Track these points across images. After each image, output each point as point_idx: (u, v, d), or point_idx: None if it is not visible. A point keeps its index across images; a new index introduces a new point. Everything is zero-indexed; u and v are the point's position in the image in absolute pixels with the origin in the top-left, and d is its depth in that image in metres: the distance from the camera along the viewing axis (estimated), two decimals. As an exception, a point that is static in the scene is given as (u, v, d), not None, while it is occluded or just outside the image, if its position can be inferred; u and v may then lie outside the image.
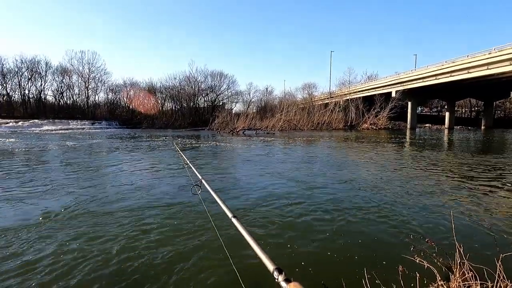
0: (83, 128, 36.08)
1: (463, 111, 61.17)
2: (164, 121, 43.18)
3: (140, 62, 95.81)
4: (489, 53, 25.86)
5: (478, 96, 43.27)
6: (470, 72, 28.56)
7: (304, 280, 2.48)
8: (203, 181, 2.12)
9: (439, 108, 61.14)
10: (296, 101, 47.66)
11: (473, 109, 59.89)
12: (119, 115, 45.34)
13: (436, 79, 32.86)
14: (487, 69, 26.61)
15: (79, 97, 46.35)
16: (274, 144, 16.89)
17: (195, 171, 2.68)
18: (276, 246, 3.17)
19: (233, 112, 44.52)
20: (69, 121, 39.39)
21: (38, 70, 44.12)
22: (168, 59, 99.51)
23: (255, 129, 30.34)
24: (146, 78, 75.67)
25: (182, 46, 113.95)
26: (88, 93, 46.23)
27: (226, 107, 48.67)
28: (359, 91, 45.54)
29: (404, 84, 37.79)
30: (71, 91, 45.91)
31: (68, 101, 46.27)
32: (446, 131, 35.14)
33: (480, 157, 10.87)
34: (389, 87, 40.68)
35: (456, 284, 1.81)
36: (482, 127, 41.63)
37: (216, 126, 33.96)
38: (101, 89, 47.74)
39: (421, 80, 35.02)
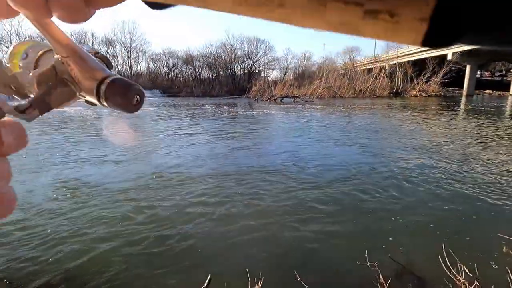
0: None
1: (534, 74, 53.03)
2: (202, 90, 43.81)
3: (177, 31, 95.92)
4: None
5: (557, 56, 36.89)
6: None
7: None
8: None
9: (503, 72, 53.62)
10: (336, 67, 44.90)
11: (547, 72, 51.60)
12: (160, 84, 46.88)
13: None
14: None
15: (123, 66, 48.49)
16: (312, 113, 16.35)
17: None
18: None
19: (270, 79, 43.50)
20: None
21: (86, 41, 46.52)
22: (203, 28, 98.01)
23: (292, 97, 29.52)
24: (184, 47, 76.20)
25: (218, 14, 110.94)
26: (130, 62, 48.09)
27: (262, 75, 47.67)
28: (408, 55, 41.33)
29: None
30: (116, 61, 48.06)
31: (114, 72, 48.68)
32: (510, 98, 31.00)
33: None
34: (445, 48, 36.26)
35: None
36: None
37: (253, 94, 33.61)
38: (142, 59, 49.44)
39: (485, 39, 30.54)
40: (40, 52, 0.32)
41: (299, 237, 2.86)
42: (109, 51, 47.13)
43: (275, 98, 28.59)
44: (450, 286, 1.93)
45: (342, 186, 4.26)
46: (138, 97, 0.28)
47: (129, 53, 47.59)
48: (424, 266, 2.26)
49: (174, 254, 2.59)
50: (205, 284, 2.10)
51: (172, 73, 48.38)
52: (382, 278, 1.94)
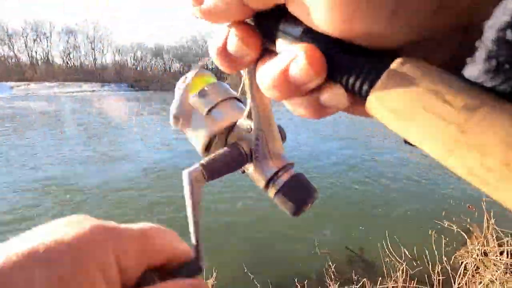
0: (93, 91, 36.08)
1: None
2: (172, 83, 42.48)
3: (146, 23, 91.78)
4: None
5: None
6: None
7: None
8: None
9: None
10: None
11: None
12: (127, 77, 44.82)
13: None
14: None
15: (86, 58, 45.67)
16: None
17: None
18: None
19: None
20: (80, 83, 39.28)
21: (43, 31, 43.12)
22: (173, 19, 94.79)
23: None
24: (153, 40, 73.31)
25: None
26: (94, 54, 45.42)
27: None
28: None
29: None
30: (78, 52, 45.15)
31: (76, 63, 45.73)
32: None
33: None
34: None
35: (489, 249, 1.86)
36: None
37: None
38: (107, 50, 46.77)
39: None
40: (220, 99, 0.30)
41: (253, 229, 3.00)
42: (69, 41, 44.09)
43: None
44: (390, 269, 2.17)
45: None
46: (311, 204, 0.26)
47: (92, 44, 44.84)
48: (370, 251, 2.50)
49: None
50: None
51: (141, 66, 46.48)
52: (331, 263, 2.14)
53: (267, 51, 0.19)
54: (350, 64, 0.15)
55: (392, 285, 2.02)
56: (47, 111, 14.09)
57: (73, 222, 0.20)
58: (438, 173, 4.58)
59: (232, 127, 0.28)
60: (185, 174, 0.25)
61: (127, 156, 6.08)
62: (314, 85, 0.16)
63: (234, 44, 0.18)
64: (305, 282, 2.13)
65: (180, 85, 0.30)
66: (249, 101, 0.26)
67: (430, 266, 2.10)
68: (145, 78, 43.60)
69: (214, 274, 2.08)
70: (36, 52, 43.78)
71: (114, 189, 4.29)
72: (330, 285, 2.04)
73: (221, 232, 2.94)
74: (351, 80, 0.15)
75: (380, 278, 2.10)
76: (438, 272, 2.03)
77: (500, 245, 1.92)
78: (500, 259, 1.97)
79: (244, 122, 0.28)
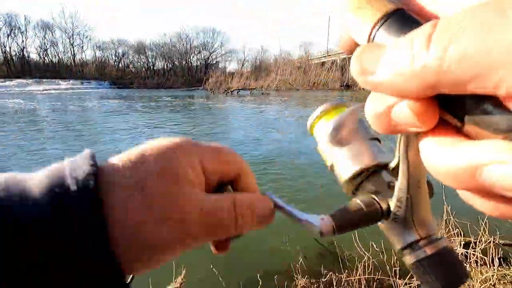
0: (72, 88, 34.88)
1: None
2: (156, 81, 41.82)
3: (127, 18, 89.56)
4: None
5: None
6: None
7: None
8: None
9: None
10: (292, 60, 46.08)
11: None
12: (109, 74, 43.63)
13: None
14: None
15: (64, 54, 44.09)
16: (266, 106, 16.75)
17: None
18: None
19: (228, 71, 43.15)
20: (58, 81, 37.86)
21: (17, 25, 41.22)
22: (157, 15, 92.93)
23: (249, 89, 29.73)
24: (135, 36, 71.51)
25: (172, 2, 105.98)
26: (73, 50, 43.92)
27: (220, 66, 47.09)
28: (357, 49, 43.84)
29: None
30: (56, 48, 43.51)
31: (54, 59, 44.07)
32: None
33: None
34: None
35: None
36: None
37: (210, 86, 33.10)
38: (87, 46, 45.33)
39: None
40: (374, 132, 0.28)
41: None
42: (46, 36, 42.41)
43: (231, 90, 28.53)
44: (361, 262, 2.23)
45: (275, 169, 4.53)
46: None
47: (71, 39, 43.32)
48: (340, 245, 2.56)
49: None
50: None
51: (123, 63, 45.38)
52: (301, 259, 2.18)
53: (442, 120, 0.16)
54: None
55: (358, 277, 2.09)
56: (23, 109, 13.52)
57: (166, 139, 0.26)
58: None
59: (378, 171, 0.26)
60: (314, 220, 0.25)
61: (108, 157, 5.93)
62: None
63: (404, 117, 0.15)
64: (275, 278, 2.16)
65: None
66: (396, 159, 0.23)
67: (395, 258, 2.18)
68: (128, 75, 42.61)
69: (183, 272, 2.08)
70: (10, 48, 41.79)
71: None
72: (297, 279, 2.08)
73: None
74: None
75: (347, 271, 2.16)
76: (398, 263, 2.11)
77: (457, 235, 2.01)
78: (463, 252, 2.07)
79: (387, 175, 0.25)
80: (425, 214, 0.24)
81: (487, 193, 0.14)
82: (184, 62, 46.18)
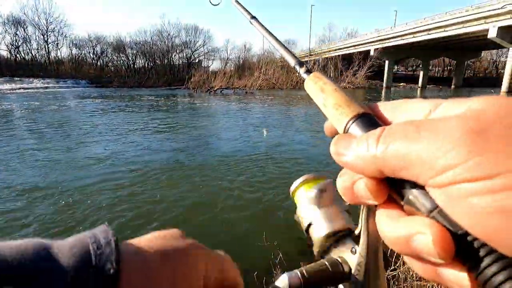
0: (47, 87, 33.34)
1: (437, 70, 62.72)
2: (136, 80, 40.73)
3: (105, 14, 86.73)
4: (466, 10, 25.85)
5: (451, 55, 44.11)
6: (447, 31, 28.71)
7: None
8: None
9: (414, 67, 62.12)
10: (275, 59, 46.31)
11: (445, 68, 61.52)
12: (86, 73, 42.06)
13: (414, 37, 32.84)
14: (463, 27, 26.80)
15: (38, 52, 42.09)
16: (249, 105, 16.78)
17: None
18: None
19: (210, 70, 42.70)
20: (31, 79, 36.07)
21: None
22: (137, 11, 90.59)
23: (233, 88, 29.61)
24: (114, 33, 69.50)
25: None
26: (48, 47, 42.02)
27: (202, 65, 46.53)
28: (338, 49, 44.83)
29: (383, 42, 37.52)
30: (28, 45, 41.44)
31: (27, 57, 41.95)
32: (418, 90, 36.36)
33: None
34: (368, 45, 40.28)
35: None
36: (452, 86, 43.27)
37: (192, 85, 32.67)
38: (62, 43, 43.48)
39: (399, 38, 34.84)
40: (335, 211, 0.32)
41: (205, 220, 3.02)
42: (18, 33, 40.29)
43: (215, 89, 28.31)
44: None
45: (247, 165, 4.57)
46: None
47: (45, 36, 41.39)
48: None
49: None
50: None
51: (101, 61, 43.94)
52: (280, 255, 2.20)
53: (391, 198, 0.20)
54: (482, 259, 0.15)
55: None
56: (-9, 109, 12.81)
57: (173, 237, 0.23)
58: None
59: (346, 236, 0.30)
60: (283, 278, 0.27)
61: (86, 158, 5.75)
62: (435, 263, 0.17)
63: (361, 191, 0.20)
64: (254, 274, 2.18)
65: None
66: (359, 227, 0.27)
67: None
68: (107, 74, 41.21)
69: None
70: (-23, 44, 39.43)
71: (66, 189, 4.04)
72: (277, 275, 2.10)
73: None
74: (483, 275, 0.15)
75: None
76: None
77: None
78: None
79: (351, 241, 0.29)
80: (381, 280, 0.27)
81: (420, 258, 0.18)
82: (165, 61, 45.29)
